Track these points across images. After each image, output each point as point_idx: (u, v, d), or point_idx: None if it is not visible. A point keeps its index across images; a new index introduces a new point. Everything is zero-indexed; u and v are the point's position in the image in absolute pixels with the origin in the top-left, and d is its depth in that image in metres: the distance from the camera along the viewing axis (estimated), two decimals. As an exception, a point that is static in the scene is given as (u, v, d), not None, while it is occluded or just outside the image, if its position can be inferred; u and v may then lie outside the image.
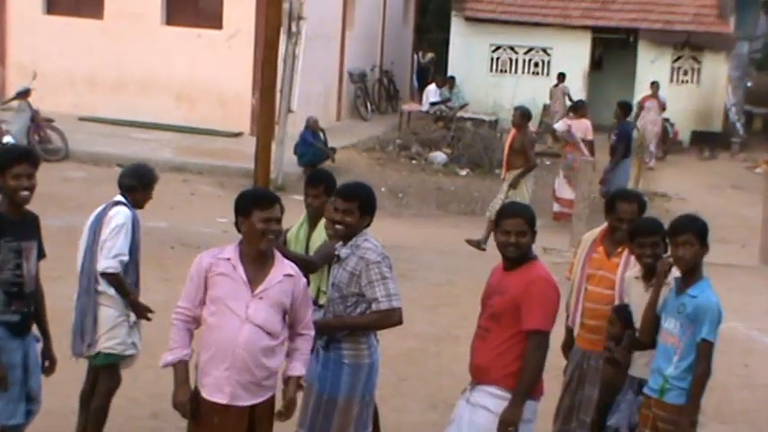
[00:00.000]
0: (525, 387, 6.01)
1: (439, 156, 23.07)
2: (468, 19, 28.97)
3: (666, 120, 26.16)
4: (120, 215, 7.26)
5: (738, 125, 29.27)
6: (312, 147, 20.64)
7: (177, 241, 13.80)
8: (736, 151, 27.73)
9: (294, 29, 19.19)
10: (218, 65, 22.76)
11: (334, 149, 21.11)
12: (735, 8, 28.54)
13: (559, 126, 19.24)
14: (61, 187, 17.00)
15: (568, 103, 24.34)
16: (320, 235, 7.37)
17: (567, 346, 7.53)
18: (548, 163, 24.69)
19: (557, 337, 8.36)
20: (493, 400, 6.09)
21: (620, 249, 7.18)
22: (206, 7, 23.34)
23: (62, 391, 7.55)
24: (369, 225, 6.51)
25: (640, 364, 6.83)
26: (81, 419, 7.45)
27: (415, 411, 8.67)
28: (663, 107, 24.68)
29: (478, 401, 6.13)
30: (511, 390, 6.02)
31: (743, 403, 9.34)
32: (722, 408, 9.36)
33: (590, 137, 19.10)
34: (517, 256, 6.14)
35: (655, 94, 24.46)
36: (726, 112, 28.86)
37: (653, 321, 6.50)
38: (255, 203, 5.81)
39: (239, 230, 5.86)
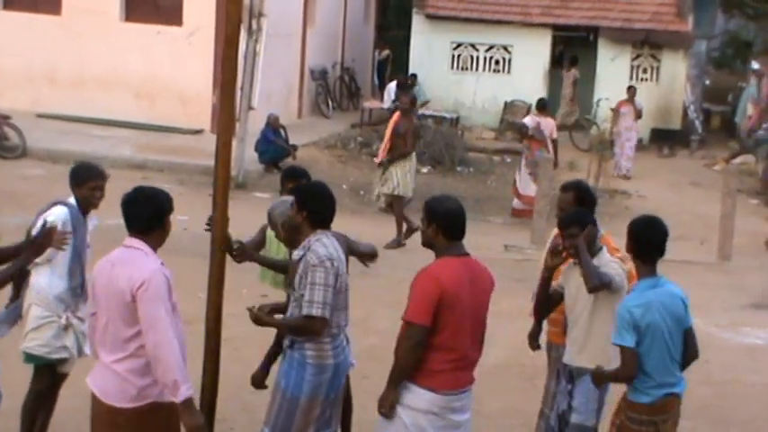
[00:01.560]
0: (393, 374, 6.12)
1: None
2: (429, 16, 29.00)
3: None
4: (52, 215, 7.04)
5: (697, 123, 29.49)
6: (273, 144, 20.60)
7: (137, 239, 13.73)
8: (694, 149, 27.94)
9: (255, 26, 19.13)
10: (177, 62, 22.65)
11: (295, 147, 21.07)
12: (693, 7, 28.74)
13: (528, 122, 19.22)
14: (19, 185, 16.87)
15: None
16: None
17: (532, 335, 7.63)
18: (508, 160, 24.80)
19: (517, 334, 8.40)
20: (407, 394, 6.19)
21: None
22: (165, 4, 23.21)
23: (20, 390, 7.47)
24: (318, 223, 6.39)
25: (571, 352, 6.91)
26: (38, 421, 7.34)
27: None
28: (639, 114, 24.15)
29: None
30: (412, 381, 6.09)
31: (702, 399, 9.40)
32: (682, 404, 9.41)
33: (555, 135, 19.18)
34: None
35: (631, 99, 24.06)
36: (684, 109, 29.07)
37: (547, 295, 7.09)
38: None
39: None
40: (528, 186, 18.55)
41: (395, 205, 15.58)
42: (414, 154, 15.87)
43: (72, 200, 7.26)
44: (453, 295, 5.99)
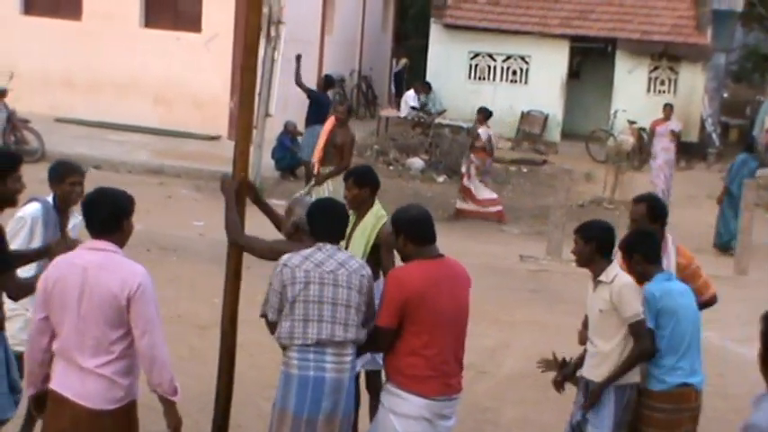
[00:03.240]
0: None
1: (416, 162, 23.10)
2: (447, 26, 29.01)
3: (643, 129, 26.25)
4: (22, 211, 7.06)
5: (714, 136, 29.42)
6: (290, 151, 20.64)
7: (153, 244, 13.75)
8: (712, 162, 27.87)
9: (273, 33, 19.17)
10: (196, 68, 22.73)
11: (311, 155, 21.11)
12: (712, 20, 28.68)
13: (483, 133, 19.66)
14: (37, 188, 16.89)
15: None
16: (364, 227, 7.74)
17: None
18: (524, 170, 24.80)
19: (531, 344, 8.38)
20: (384, 396, 6.29)
21: None
22: (185, 10, 23.29)
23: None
24: (315, 236, 6.46)
25: (589, 365, 6.92)
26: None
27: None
28: (677, 136, 22.66)
29: (384, 402, 6.32)
30: (397, 385, 6.14)
31: (718, 412, 9.37)
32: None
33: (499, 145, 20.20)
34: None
35: (667, 118, 22.68)
36: (702, 122, 28.99)
37: None
38: None
39: None
40: (483, 191, 19.23)
41: None
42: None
43: (50, 197, 7.25)
44: (421, 297, 6.03)
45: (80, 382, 5.48)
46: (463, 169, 19.52)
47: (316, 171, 15.00)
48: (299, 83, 19.06)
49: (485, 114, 20.33)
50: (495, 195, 19.43)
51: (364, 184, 7.90)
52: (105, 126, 22.51)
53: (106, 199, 5.64)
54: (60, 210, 7.27)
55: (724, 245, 18.08)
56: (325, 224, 6.45)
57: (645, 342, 6.62)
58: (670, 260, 7.27)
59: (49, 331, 5.55)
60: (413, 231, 6.23)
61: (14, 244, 6.80)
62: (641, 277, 6.77)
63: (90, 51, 23.23)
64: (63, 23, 23.44)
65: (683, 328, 6.74)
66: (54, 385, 5.56)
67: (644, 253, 6.79)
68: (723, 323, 12.20)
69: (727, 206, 18.29)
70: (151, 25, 23.38)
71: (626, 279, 6.73)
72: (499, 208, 19.24)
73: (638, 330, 6.62)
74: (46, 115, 21.92)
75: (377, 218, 7.86)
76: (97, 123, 22.59)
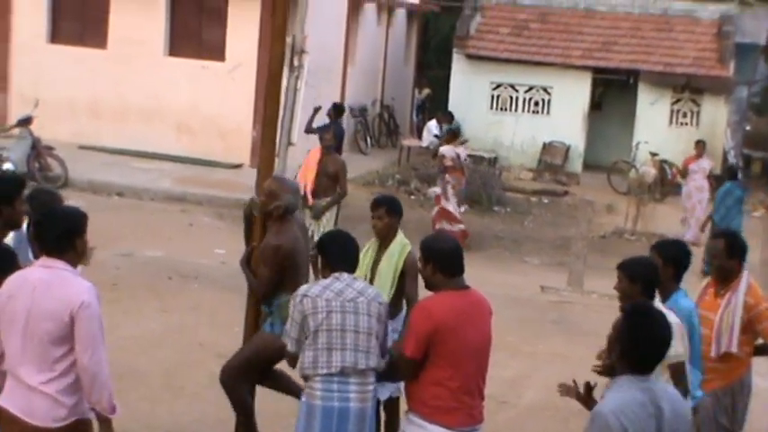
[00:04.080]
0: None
1: (436, 191, 23.08)
2: (469, 56, 29.06)
3: (665, 161, 26.23)
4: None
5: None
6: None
7: (175, 272, 13.77)
8: (733, 194, 27.72)
9: (296, 63, 19.21)
10: (219, 96, 22.82)
11: (333, 183, 21.10)
12: (734, 53, 28.65)
13: (448, 152, 19.33)
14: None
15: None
16: (390, 255, 7.88)
17: None
18: (545, 201, 24.76)
19: (552, 375, 8.32)
20: (407, 425, 6.25)
21: (723, 291, 7.27)
22: (209, 39, 23.40)
23: None
24: (331, 266, 6.51)
25: None
26: None
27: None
28: (709, 176, 22.02)
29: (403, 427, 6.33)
30: (420, 416, 6.09)
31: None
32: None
33: (466, 157, 20.11)
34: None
35: (700, 155, 22.12)
36: (725, 155, 28.90)
37: None
38: None
39: None
40: (457, 210, 19.14)
41: None
42: None
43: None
44: (448, 328, 6.02)
45: (26, 399, 5.49)
46: (438, 190, 19.51)
47: (309, 203, 14.36)
48: (308, 131, 18.68)
49: (451, 134, 20.40)
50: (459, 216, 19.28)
51: (394, 213, 8.03)
52: (129, 153, 22.62)
53: (58, 217, 5.65)
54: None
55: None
56: (341, 254, 6.53)
57: (684, 384, 6.50)
58: (738, 298, 7.25)
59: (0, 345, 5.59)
60: (444, 262, 6.21)
61: None
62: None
63: (115, 79, 23.37)
64: (88, 51, 23.59)
65: (695, 345, 6.85)
66: (3, 401, 5.58)
67: (646, 284, 6.73)
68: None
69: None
70: (176, 54, 23.51)
71: (673, 319, 6.67)
72: (462, 226, 18.95)
73: (678, 371, 6.50)
74: (70, 143, 22.02)
75: (402, 246, 7.99)
76: (121, 151, 22.69)
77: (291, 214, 7.37)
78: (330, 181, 14.40)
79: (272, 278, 7.32)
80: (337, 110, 19.45)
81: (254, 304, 6.86)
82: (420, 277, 6.45)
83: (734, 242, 7.45)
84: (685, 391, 6.60)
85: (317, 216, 14.26)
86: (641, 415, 4.75)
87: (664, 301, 6.92)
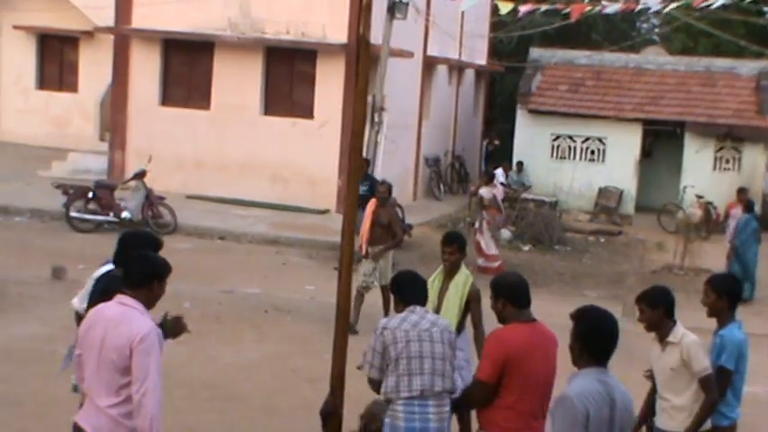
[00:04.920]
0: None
1: (505, 232, 22.99)
2: (531, 111, 29.01)
3: (710, 203, 25.87)
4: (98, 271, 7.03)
5: (777, 209, 28.81)
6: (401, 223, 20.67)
7: (270, 306, 13.87)
8: (774, 232, 27.27)
9: (377, 119, 19.38)
10: (308, 150, 23.03)
11: (410, 226, 21.13)
12: (772, 104, 28.29)
13: (486, 194, 19.90)
14: (170, 257, 17.19)
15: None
16: (456, 284, 8.21)
17: None
18: (602, 240, 24.53)
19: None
20: None
21: None
22: (299, 100, 23.66)
23: None
24: (406, 302, 6.56)
25: (663, 419, 6.78)
26: None
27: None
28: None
29: None
30: None
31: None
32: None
33: (502, 196, 21.01)
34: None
35: (741, 201, 20.53)
36: (764, 197, 28.44)
37: None
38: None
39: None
40: (491, 246, 19.38)
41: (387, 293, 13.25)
42: None
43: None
44: (519, 357, 5.98)
45: (96, 418, 5.60)
46: (476, 225, 19.88)
47: (363, 252, 13.55)
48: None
49: (487, 177, 21.06)
50: (496, 252, 19.50)
51: (463, 248, 8.47)
52: (229, 202, 22.88)
53: (144, 260, 5.80)
54: None
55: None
56: (414, 290, 6.63)
57: (714, 393, 6.53)
58: None
59: (83, 366, 5.72)
60: (513, 295, 6.20)
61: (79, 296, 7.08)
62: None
63: (217, 136, 23.72)
64: (194, 113, 23.98)
65: (741, 373, 6.83)
66: (79, 418, 5.71)
67: (666, 307, 6.75)
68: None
69: (735, 261, 18.54)
70: (270, 113, 23.79)
71: (693, 337, 6.64)
72: (499, 263, 19.18)
73: (708, 383, 6.52)
74: (179, 193, 22.35)
75: (466, 276, 8.34)
76: (223, 199, 22.97)
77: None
78: (384, 230, 13.61)
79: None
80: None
81: (342, 334, 6.89)
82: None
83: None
84: (714, 402, 6.54)
85: (375, 259, 13.43)
86: (599, 401, 4.99)
87: (719, 330, 6.85)
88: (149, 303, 5.68)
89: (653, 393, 6.93)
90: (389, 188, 14.41)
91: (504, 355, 5.96)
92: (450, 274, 8.31)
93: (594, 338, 5.17)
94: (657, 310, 6.67)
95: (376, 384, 6.40)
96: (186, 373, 9.54)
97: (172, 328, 6.37)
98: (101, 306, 5.78)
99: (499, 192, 20.44)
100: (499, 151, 33.22)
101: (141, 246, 6.52)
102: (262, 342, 12.17)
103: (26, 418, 8.64)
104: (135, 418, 5.50)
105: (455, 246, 8.41)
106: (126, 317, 5.56)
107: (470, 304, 8.27)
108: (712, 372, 6.54)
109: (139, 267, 5.71)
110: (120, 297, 5.67)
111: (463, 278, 8.33)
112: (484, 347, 6.22)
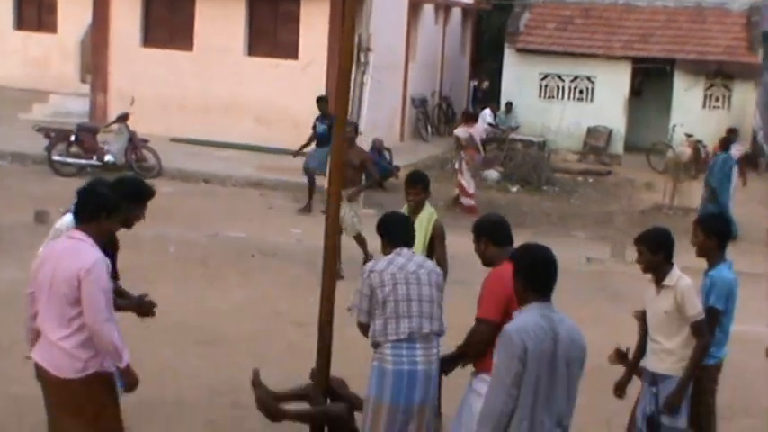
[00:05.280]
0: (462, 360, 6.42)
1: (492, 173, 23.00)
2: (519, 50, 28.86)
3: (699, 142, 25.88)
4: (60, 222, 6.76)
5: (765, 147, 28.86)
6: (378, 165, 20.66)
7: (256, 250, 13.88)
8: (762, 170, 27.37)
9: (363, 59, 19.23)
10: (293, 91, 22.88)
11: (397, 167, 21.11)
12: (762, 41, 28.19)
13: (462, 134, 19.91)
14: (154, 201, 17.16)
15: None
16: (420, 221, 8.25)
17: (621, 385, 7.34)
18: (590, 180, 24.55)
19: (596, 338, 8.26)
20: (477, 383, 6.15)
21: None
22: (283, 40, 23.47)
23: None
24: (392, 244, 6.58)
25: (653, 360, 6.81)
26: None
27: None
28: (743, 158, 20.71)
29: (476, 388, 6.11)
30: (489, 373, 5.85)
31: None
32: (749, 403, 9.27)
33: (483, 136, 20.85)
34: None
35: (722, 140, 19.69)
36: (754, 135, 28.48)
37: None
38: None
39: None
40: (471, 186, 19.51)
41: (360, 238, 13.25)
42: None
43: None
44: None
45: (49, 352, 5.73)
46: (456, 166, 20.04)
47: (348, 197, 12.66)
48: (297, 153, 18.13)
49: (465, 117, 21.24)
50: (473, 191, 19.56)
51: (427, 187, 8.61)
52: (213, 144, 22.79)
53: (92, 194, 5.89)
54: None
55: None
56: (401, 232, 6.64)
57: (707, 337, 6.56)
58: None
59: (35, 304, 5.82)
60: (493, 234, 6.29)
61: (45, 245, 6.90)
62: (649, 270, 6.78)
63: (200, 78, 23.55)
64: (177, 54, 23.78)
65: (730, 313, 6.90)
66: (34, 354, 5.84)
67: (667, 252, 6.72)
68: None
69: (708, 200, 18.33)
70: (253, 54, 23.61)
71: (687, 281, 6.64)
72: (472, 203, 19.25)
73: (700, 328, 6.55)
74: (162, 136, 22.23)
75: (430, 214, 8.48)
76: (206, 142, 22.87)
77: None
78: (356, 171, 13.04)
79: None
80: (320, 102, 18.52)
81: (329, 277, 6.88)
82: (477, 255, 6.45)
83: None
84: (706, 345, 6.57)
85: (351, 199, 12.87)
86: (540, 335, 5.00)
87: (709, 270, 6.86)
88: (99, 236, 5.81)
89: (644, 335, 6.96)
90: (356, 128, 14.38)
91: (506, 291, 5.83)
92: (414, 211, 8.44)
93: (536, 271, 5.20)
94: (658, 255, 6.64)
95: (365, 328, 6.41)
96: (171, 317, 9.55)
97: (138, 309, 6.75)
98: (51, 243, 5.98)
99: (477, 131, 20.41)
100: (487, 91, 33.11)
101: (127, 194, 6.47)
102: (247, 286, 12.19)
103: (6, 361, 8.65)
104: (97, 345, 5.64)
105: (419, 186, 8.54)
106: (75, 249, 5.69)
107: (434, 240, 8.38)
108: (704, 317, 6.56)
109: (87, 202, 5.82)
110: (70, 231, 5.85)
111: (427, 215, 8.47)
112: (484, 287, 6.12)
